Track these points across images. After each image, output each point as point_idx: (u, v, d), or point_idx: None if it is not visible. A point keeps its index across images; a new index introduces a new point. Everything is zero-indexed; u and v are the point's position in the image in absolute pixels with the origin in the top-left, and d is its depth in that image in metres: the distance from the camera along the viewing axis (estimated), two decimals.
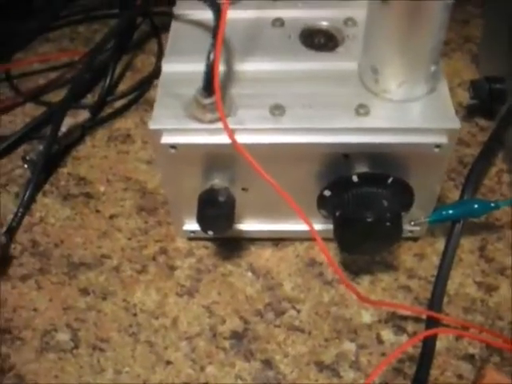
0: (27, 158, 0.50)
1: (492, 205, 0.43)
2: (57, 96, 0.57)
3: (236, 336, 0.42)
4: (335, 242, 0.42)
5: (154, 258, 0.46)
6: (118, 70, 0.60)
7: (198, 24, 0.45)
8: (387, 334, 0.42)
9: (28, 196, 0.49)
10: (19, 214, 0.49)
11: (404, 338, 0.42)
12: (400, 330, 0.42)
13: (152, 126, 0.38)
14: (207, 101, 0.37)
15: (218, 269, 0.46)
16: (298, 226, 0.42)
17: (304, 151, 0.39)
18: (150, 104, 0.56)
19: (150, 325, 0.43)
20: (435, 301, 0.41)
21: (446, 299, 0.43)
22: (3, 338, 0.43)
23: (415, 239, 0.46)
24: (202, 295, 0.44)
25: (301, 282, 0.45)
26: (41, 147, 0.50)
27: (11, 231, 0.48)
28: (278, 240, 0.47)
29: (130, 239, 0.48)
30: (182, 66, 0.41)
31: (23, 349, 0.42)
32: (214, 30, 0.38)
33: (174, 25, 0.45)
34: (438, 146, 0.38)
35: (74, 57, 0.60)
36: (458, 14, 0.64)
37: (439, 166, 0.40)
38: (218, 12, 0.40)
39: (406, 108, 0.38)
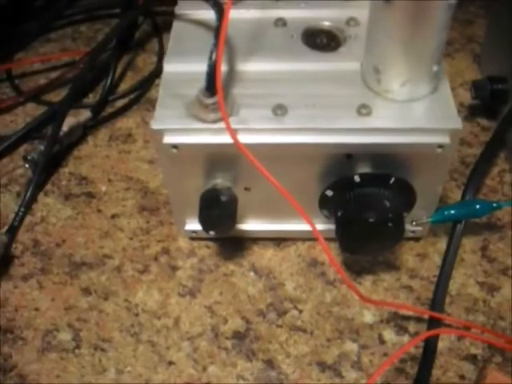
0: (28, 157, 0.50)
1: (494, 205, 0.43)
2: (58, 95, 0.57)
3: (238, 336, 0.42)
4: (337, 242, 0.42)
5: (155, 258, 0.46)
6: (119, 70, 0.60)
7: (200, 24, 0.45)
8: (389, 334, 0.42)
9: (29, 196, 0.49)
10: (20, 214, 0.48)
11: (406, 338, 0.42)
12: (402, 330, 0.42)
13: (154, 126, 0.38)
14: (209, 101, 0.37)
15: (219, 269, 0.46)
16: (300, 226, 0.42)
17: (306, 151, 0.39)
18: (152, 103, 0.56)
19: (152, 325, 0.43)
20: (437, 301, 0.42)
21: (447, 299, 0.43)
22: (5, 337, 0.43)
23: (417, 239, 0.46)
24: (204, 295, 0.44)
25: (303, 281, 0.45)
26: (42, 147, 0.50)
27: (13, 231, 0.48)
28: (280, 240, 0.47)
29: (131, 239, 0.48)
30: (184, 66, 0.41)
31: (25, 348, 0.42)
32: (217, 30, 0.38)
33: (176, 24, 0.45)
34: (440, 146, 0.37)
35: (75, 56, 0.60)
36: (462, 14, 0.64)
37: (441, 166, 0.40)
38: (220, 12, 0.40)
39: (408, 108, 0.38)
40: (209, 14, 0.42)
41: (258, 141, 0.38)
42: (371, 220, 0.38)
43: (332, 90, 0.40)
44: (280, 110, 0.39)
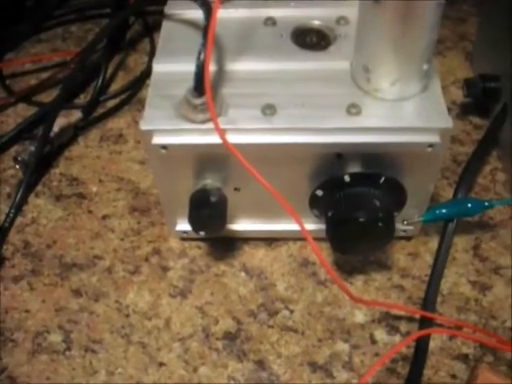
0: (19, 158, 0.50)
1: (486, 204, 0.42)
2: (49, 96, 0.57)
3: (229, 337, 0.42)
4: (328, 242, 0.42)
5: (146, 259, 0.46)
6: (110, 70, 0.59)
7: (190, 23, 0.44)
8: (380, 334, 0.42)
9: (20, 197, 0.49)
10: (11, 215, 0.48)
11: (397, 337, 0.42)
12: (393, 329, 0.42)
13: (143, 126, 0.38)
14: (198, 101, 0.37)
15: (211, 269, 0.45)
16: (291, 226, 0.42)
17: (295, 151, 0.39)
18: (143, 104, 0.55)
19: (143, 326, 0.43)
20: (429, 300, 0.41)
21: (439, 299, 0.43)
22: None
23: (409, 238, 0.46)
24: (195, 296, 0.44)
25: (294, 282, 0.44)
26: (33, 148, 0.50)
27: (3, 232, 0.47)
28: (271, 240, 0.46)
29: (122, 240, 0.47)
30: (173, 66, 0.41)
31: (15, 350, 0.42)
32: (205, 30, 0.38)
33: (165, 24, 0.45)
34: (430, 145, 0.37)
35: (66, 57, 0.60)
36: (454, 12, 0.64)
37: (432, 165, 0.39)
38: (208, 11, 0.40)
39: (398, 107, 0.38)
40: (198, 14, 0.42)
41: (247, 141, 0.38)
42: (361, 220, 0.38)
43: (321, 90, 0.39)
44: (269, 109, 0.38)
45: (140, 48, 0.62)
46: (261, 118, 0.38)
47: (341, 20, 0.44)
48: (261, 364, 0.41)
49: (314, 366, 0.41)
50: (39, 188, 0.51)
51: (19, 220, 0.49)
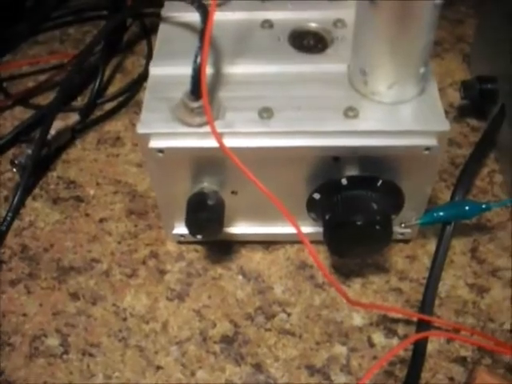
0: (16, 161, 0.50)
1: (483, 206, 0.42)
2: (46, 99, 0.57)
3: (226, 340, 0.42)
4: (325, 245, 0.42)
5: (144, 262, 0.46)
6: (107, 72, 0.59)
7: (187, 26, 0.44)
8: (378, 337, 0.42)
9: (17, 200, 0.49)
10: (8, 219, 0.48)
11: (395, 340, 0.42)
12: (391, 332, 0.42)
13: (140, 130, 0.38)
14: (195, 104, 0.37)
15: (208, 272, 0.45)
16: (289, 229, 0.41)
17: (292, 154, 0.38)
18: (140, 106, 0.55)
19: (140, 329, 0.43)
20: (426, 303, 0.41)
21: (437, 301, 0.43)
22: None
23: (406, 241, 0.46)
24: (193, 299, 0.44)
25: (291, 285, 0.44)
26: (30, 150, 0.50)
27: (0, 235, 0.47)
28: (268, 243, 0.46)
29: (119, 243, 0.47)
30: (170, 69, 0.41)
31: (12, 354, 0.42)
32: (201, 33, 0.38)
33: (162, 27, 0.45)
34: (427, 148, 0.37)
35: (63, 59, 0.60)
36: (452, 14, 0.64)
37: (429, 168, 0.39)
38: (204, 14, 0.40)
39: (395, 110, 0.38)
40: (195, 17, 0.41)
41: (243, 144, 0.37)
42: (359, 223, 0.38)
43: (319, 93, 0.39)
44: (266, 112, 0.38)
45: (137, 50, 0.62)
46: (258, 121, 0.38)
47: (338, 23, 0.44)
48: (258, 367, 0.41)
49: (311, 370, 0.41)
50: (36, 191, 0.51)
51: (16, 223, 0.49)
